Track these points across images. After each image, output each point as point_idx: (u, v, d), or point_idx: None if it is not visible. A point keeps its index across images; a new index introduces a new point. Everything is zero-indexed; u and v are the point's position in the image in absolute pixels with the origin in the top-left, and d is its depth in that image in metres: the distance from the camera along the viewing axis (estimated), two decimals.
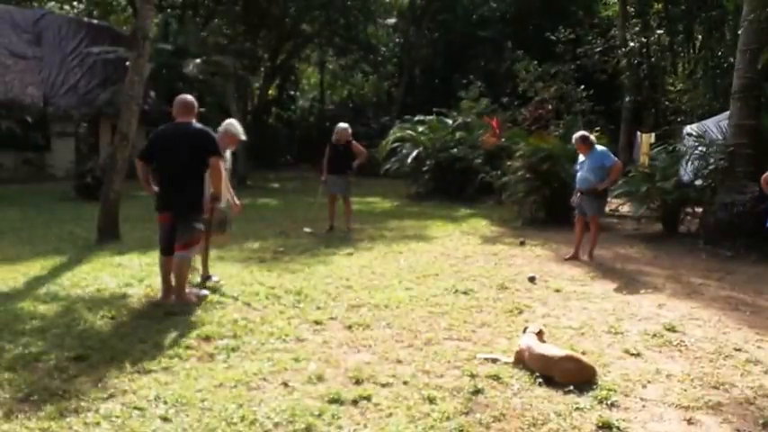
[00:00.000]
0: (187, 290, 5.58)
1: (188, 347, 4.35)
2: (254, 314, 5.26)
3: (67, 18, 22.54)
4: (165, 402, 3.47)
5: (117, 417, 3.30)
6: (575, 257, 8.12)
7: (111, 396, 3.56)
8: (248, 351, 4.34)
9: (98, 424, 3.22)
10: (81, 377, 3.82)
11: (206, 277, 6.39)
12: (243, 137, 6.68)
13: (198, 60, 18.88)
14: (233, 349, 4.35)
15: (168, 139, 5.52)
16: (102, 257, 7.51)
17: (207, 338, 4.57)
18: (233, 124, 6.57)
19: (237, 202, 6.72)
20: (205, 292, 5.81)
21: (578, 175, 8.15)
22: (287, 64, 28.78)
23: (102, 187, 9.60)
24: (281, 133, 30.14)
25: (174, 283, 5.47)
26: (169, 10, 23.79)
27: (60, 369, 3.92)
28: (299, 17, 25.62)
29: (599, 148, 8.17)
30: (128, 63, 9.50)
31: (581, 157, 8.19)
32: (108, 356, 4.15)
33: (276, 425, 3.26)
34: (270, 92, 29.60)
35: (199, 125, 5.57)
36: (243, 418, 3.30)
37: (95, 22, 23.46)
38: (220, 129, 6.44)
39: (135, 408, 3.41)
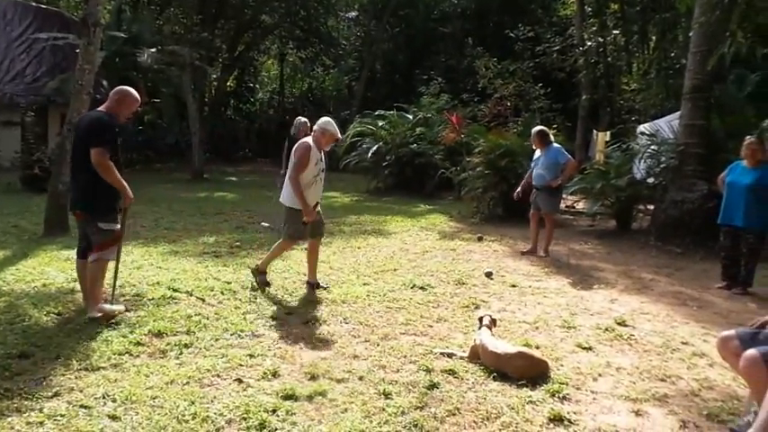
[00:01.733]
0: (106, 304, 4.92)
1: (139, 344, 4.24)
2: (209, 310, 5.16)
3: (14, 2, 21.63)
4: (114, 400, 3.38)
5: (62, 415, 3.19)
6: (532, 252, 8.26)
7: (57, 394, 3.44)
8: (202, 347, 4.26)
9: (42, 423, 3.12)
10: (24, 375, 3.69)
11: (314, 284, 5.96)
12: (339, 135, 6.20)
13: (153, 50, 18.40)
14: (186, 345, 4.26)
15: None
16: (49, 251, 7.25)
17: (159, 335, 4.46)
18: (331, 123, 5.90)
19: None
20: (119, 307, 4.99)
21: (534, 171, 8.27)
22: (246, 55, 28.33)
23: (50, 178, 9.27)
24: (239, 126, 29.68)
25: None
26: None
27: (2, 367, 3.77)
28: (259, 8, 25.23)
29: (554, 145, 8.33)
30: (78, 50, 9.16)
31: (536, 154, 8.34)
32: (53, 354, 4.01)
33: (229, 422, 3.21)
34: (228, 84, 29.08)
35: (95, 112, 4.92)
36: (195, 416, 3.24)
37: (44, 6, 22.57)
38: (317, 127, 5.85)
39: (81, 406, 3.30)
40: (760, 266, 6.60)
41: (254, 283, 5.94)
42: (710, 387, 3.88)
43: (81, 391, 3.48)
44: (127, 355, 4.05)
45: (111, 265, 5.08)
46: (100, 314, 4.72)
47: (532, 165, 8.39)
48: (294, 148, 5.75)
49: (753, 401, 3.13)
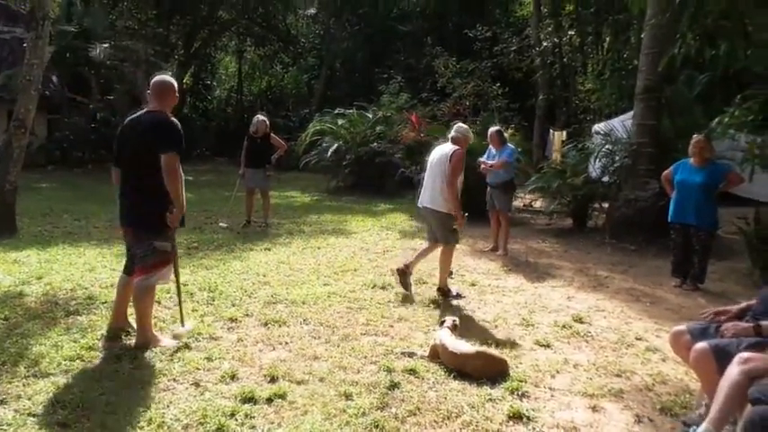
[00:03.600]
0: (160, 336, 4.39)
1: (91, 348, 4.12)
2: (165, 312, 5.05)
3: None
4: (64, 407, 3.27)
5: (9, 424, 3.08)
6: (494, 249, 8.44)
7: (3, 402, 3.32)
8: (157, 351, 4.15)
9: None
10: None
11: (447, 290, 5.89)
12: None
13: (105, 45, 17.92)
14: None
15: (123, 131, 4.37)
16: None
17: (112, 338, 4.33)
18: (469, 129, 6.25)
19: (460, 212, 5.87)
20: (187, 327, 4.61)
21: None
22: (202, 52, 27.87)
23: None
24: (195, 124, 29.13)
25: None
26: None
27: None
28: (216, 3, 24.85)
29: (509, 145, 8.60)
30: (26, 44, 8.84)
31: (491, 152, 8.49)
32: (0, 360, 3.85)
33: (186, 426, 3.14)
34: (184, 81, 28.54)
35: (153, 113, 4.29)
36: (150, 421, 3.16)
37: None
38: (460, 135, 6.01)
39: (29, 414, 3.19)
40: (709, 263, 6.81)
41: (451, 300, 5.77)
42: (664, 381, 3.99)
43: (29, 399, 3.35)
44: (78, 360, 3.92)
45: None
46: (165, 343, 4.25)
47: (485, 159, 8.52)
48: (450, 155, 5.79)
49: (704, 394, 3.23)
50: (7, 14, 20.68)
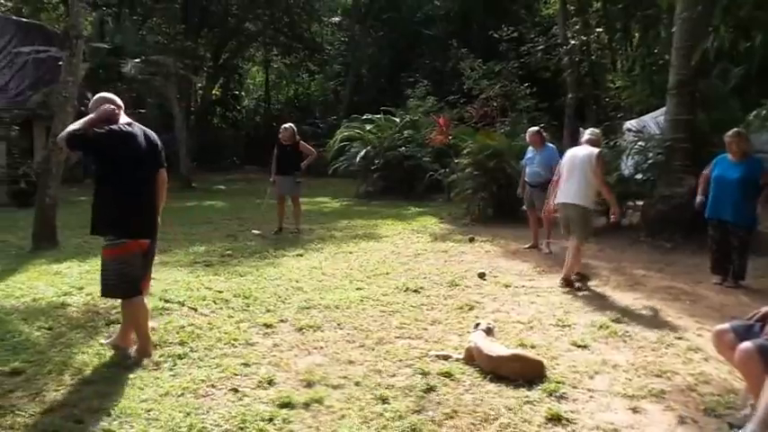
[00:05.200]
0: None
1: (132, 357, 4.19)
2: (202, 320, 5.12)
3: None
4: (108, 414, 3.33)
5: (56, 431, 3.15)
6: (534, 247, 8.52)
7: (50, 410, 3.39)
8: (195, 358, 4.22)
9: None
10: (17, 392, 3.63)
11: (571, 281, 6.38)
12: None
13: (136, 60, 18.30)
14: (179, 356, 4.22)
15: (140, 141, 4.34)
16: (38, 266, 7.17)
17: (152, 346, 4.41)
18: (598, 131, 6.97)
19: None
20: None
21: (528, 169, 8.53)
22: (230, 63, 28.30)
23: (36, 192, 9.18)
24: (226, 134, 29.60)
25: (134, 327, 4.34)
26: (104, 8, 22.98)
27: None
28: (242, 15, 25.22)
29: (550, 145, 8.65)
30: (61, 63, 9.09)
31: (529, 152, 8.49)
32: (45, 369, 3.95)
33: None
34: (213, 92, 29.02)
35: (147, 129, 4.52)
36: (191, 427, 3.21)
37: (25, 20, 22.39)
38: (595, 136, 6.68)
39: (75, 421, 3.26)
40: (750, 258, 6.64)
41: (579, 287, 6.32)
42: (707, 381, 3.89)
43: (74, 406, 3.43)
44: (120, 368, 4.00)
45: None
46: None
47: (525, 162, 8.59)
48: (595, 156, 6.33)
49: (749, 395, 3.14)
50: (43, 35, 21.24)
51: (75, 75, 8.76)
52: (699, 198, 6.79)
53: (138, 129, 4.34)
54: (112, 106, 4.25)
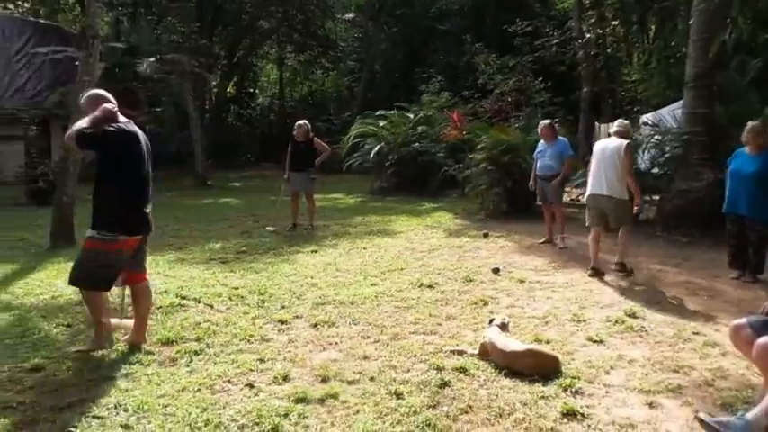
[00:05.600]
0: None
1: (149, 353, 4.24)
2: (218, 316, 5.16)
3: (11, 17, 21.71)
4: (126, 410, 3.37)
5: (75, 427, 3.19)
6: (549, 241, 8.52)
7: (69, 406, 3.44)
8: (212, 354, 4.26)
9: None
10: (37, 388, 3.69)
11: (625, 265, 6.72)
12: None
13: (152, 59, 18.45)
14: (196, 352, 4.26)
15: (142, 140, 4.46)
16: (56, 264, 7.27)
17: (168, 342, 4.46)
18: (627, 122, 7.21)
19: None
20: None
21: (540, 162, 8.51)
22: (245, 61, 28.42)
23: (55, 191, 9.30)
24: (241, 132, 29.73)
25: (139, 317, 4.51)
26: (120, 8, 23.17)
27: (14, 381, 3.78)
28: (256, 13, 25.30)
29: (561, 138, 8.64)
30: (78, 63, 9.19)
31: (540, 146, 8.49)
32: (65, 366, 4.01)
33: (242, 427, 3.21)
34: (228, 90, 29.16)
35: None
36: (207, 422, 3.24)
37: (42, 21, 22.66)
38: (624, 129, 6.82)
39: (94, 417, 3.31)
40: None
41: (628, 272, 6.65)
42: (724, 377, 3.85)
43: (93, 402, 3.47)
44: (137, 364, 4.05)
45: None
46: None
47: (536, 156, 8.57)
48: (623, 149, 6.49)
49: (767, 389, 3.11)
50: (60, 36, 21.50)
51: (92, 74, 8.85)
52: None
53: (135, 128, 4.42)
54: (113, 105, 4.30)
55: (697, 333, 4.69)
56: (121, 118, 4.33)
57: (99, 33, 9.18)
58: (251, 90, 32.49)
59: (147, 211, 4.42)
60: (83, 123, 4.16)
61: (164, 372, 3.93)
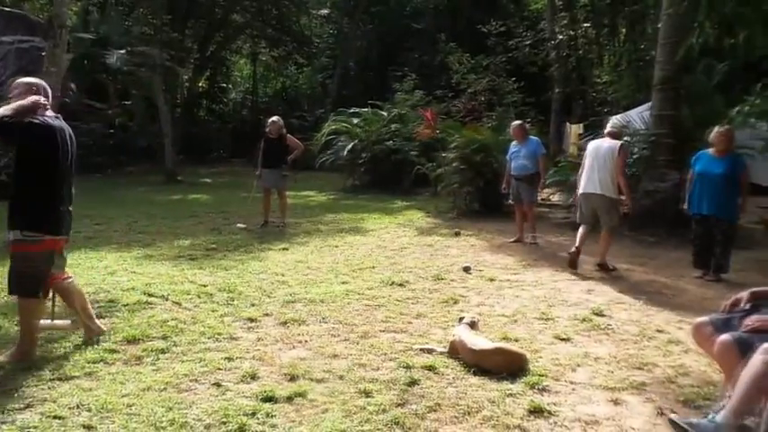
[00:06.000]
0: None
1: (113, 351, 4.16)
2: (185, 314, 5.09)
3: None
4: (89, 410, 3.30)
5: (35, 427, 3.11)
6: (519, 240, 8.60)
7: (29, 406, 3.35)
8: (178, 352, 4.20)
9: None
10: None
11: (606, 265, 6.86)
12: None
13: (122, 51, 18.10)
14: (162, 351, 4.19)
15: (68, 137, 4.22)
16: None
17: (134, 341, 4.38)
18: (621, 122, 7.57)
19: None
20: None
21: (514, 162, 8.59)
22: (217, 55, 28.05)
23: None
24: (212, 127, 29.32)
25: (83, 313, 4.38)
26: None
27: None
28: (229, 7, 25.00)
29: (533, 137, 8.78)
30: (44, 53, 8.98)
31: (513, 146, 8.57)
32: (24, 364, 3.91)
33: (208, 426, 3.16)
34: (200, 84, 28.76)
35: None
36: (172, 422, 3.19)
37: (8, 9, 22.04)
38: (614, 127, 7.36)
39: (55, 417, 3.22)
40: (731, 253, 6.71)
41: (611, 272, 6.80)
42: (686, 373, 3.94)
43: (54, 402, 3.39)
44: (101, 362, 3.97)
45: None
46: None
47: (510, 156, 8.64)
48: (618, 149, 6.79)
49: (727, 386, 3.17)
50: (26, 25, 20.93)
51: (59, 65, 8.66)
52: (684, 206, 6.84)
53: (63, 123, 4.19)
54: (42, 97, 4.03)
55: (661, 331, 4.79)
56: (49, 112, 4.09)
57: (67, 23, 8.97)
58: (223, 85, 32.08)
59: (68, 210, 4.22)
60: (5, 110, 3.83)
61: (128, 370, 3.86)
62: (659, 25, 9.71)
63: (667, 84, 9.30)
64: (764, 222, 7.56)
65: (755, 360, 2.76)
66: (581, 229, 7.06)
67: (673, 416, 3.01)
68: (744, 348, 2.94)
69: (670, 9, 8.99)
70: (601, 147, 6.95)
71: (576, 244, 6.88)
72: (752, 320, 3.09)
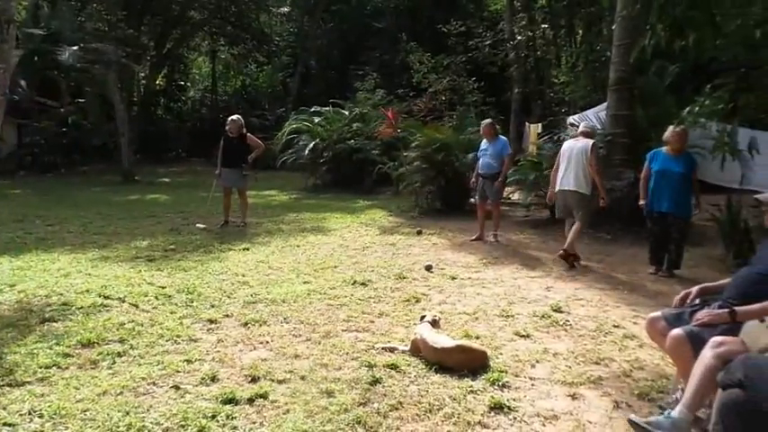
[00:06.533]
0: None
1: (67, 355, 4.05)
2: (143, 316, 4.98)
3: None
4: (41, 416, 3.21)
5: None
6: (479, 239, 8.68)
7: None
8: (136, 355, 4.11)
9: None
10: None
11: (575, 255, 7.17)
12: None
13: (74, 48, 17.59)
14: (119, 354, 4.10)
15: None
16: None
17: (89, 344, 4.27)
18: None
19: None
20: None
21: (481, 160, 8.71)
22: (175, 53, 27.55)
23: None
24: (170, 125, 28.80)
25: None
26: None
27: None
28: (186, 3, 24.56)
29: (501, 137, 8.90)
30: None
31: (483, 144, 8.67)
32: None
33: (166, 430, 3.11)
34: (157, 82, 28.20)
35: None
36: (129, 427, 3.12)
37: None
38: (587, 127, 7.58)
39: (5, 424, 3.12)
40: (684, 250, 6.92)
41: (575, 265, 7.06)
42: (641, 367, 4.04)
43: (4, 409, 3.28)
44: (54, 367, 3.85)
45: None
46: None
47: (479, 155, 8.77)
48: (590, 148, 7.12)
49: (680, 379, 3.27)
50: None
51: (7, 62, 8.31)
52: (642, 202, 7.00)
53: None
54: None
55: (617, 326, 4.91)
56: None
57: (14, 18, 8.65)
58: (182, 83, 31.54)
59: None
60: None
61: (83, 375, 3.76)
62: (614, 27, 9.93)
63: (622, 84, 9.53)
64: (716, 219, 7.81)
65: (706, 354, 2.84)
66: (567, 226, 7.44)
67: (632, 416, 3.08)
68: (695, 342, 3.04)
69: (624, 11, 9.20)
70: (575, 146, 7.26)
71: (565, 245, 7.20)
72: (702, 315, 3.19)
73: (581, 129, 7.61)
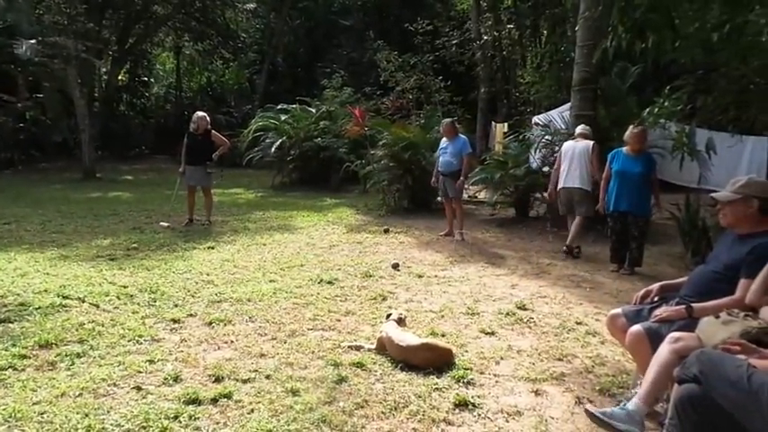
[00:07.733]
0: None
1: (23, 357, 3.95)
2: (104, 316, 4.89)
3: None
4: None
5: None
6: (449, 234, 8.91)
7: None
8: (96, 356, 4.03)
9: None
10: None
11: (574, 249, 7.76)
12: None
13: (32, 41, 17.07)
14: (78, 355, 4.02)
15: None
16: None
17: (47, 346, 4.17)
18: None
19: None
20: None
21: (441, 158, 8.80)
22: (137, 48, 26.93)
23: None
24: (133, 122, 28.18)
25: None
26: None
27: None
28: None
29: (461, 136, 8.96)
30: None
31: (443, 143, 8.73)
32: None
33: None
34: (119, 78, 27.56)
35: None
36: (89, 429, 3.07)
37: None
38: (584, 130, 7.97)
39: None
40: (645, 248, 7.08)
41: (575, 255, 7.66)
42: (602, 363, 4.12)
43: None
44: (10, 369, 3.75)
45: None
46: None
47: (439, 152, 8.81)
48: (591, 149, 7.61)
49: (639, 374, 3.35)
50: None
51: None
52: (602, 202, 7.13)
53: None
54: None
55: (580, 323, 5.00)
56: None
57: None
58: (145, 79, 30.87)
59: None
60: None
61: (41, 377, 3.67)
62: (577, 28, 10.08)
63: (586, 85, 9.67)
64: (675, 218, 8.02)
65: (663, 349, 2.92)
66: (569, 221, 7.92)
67: (588, 406, 3.14)
68: (653, 338, 3.11)
69: (586, 13, 9.34)
70: (576, 147, 7.72)
71: (567, 242, 7.73)
72: (660, 311, 3.27)
73: (578, 131, 8.02)
